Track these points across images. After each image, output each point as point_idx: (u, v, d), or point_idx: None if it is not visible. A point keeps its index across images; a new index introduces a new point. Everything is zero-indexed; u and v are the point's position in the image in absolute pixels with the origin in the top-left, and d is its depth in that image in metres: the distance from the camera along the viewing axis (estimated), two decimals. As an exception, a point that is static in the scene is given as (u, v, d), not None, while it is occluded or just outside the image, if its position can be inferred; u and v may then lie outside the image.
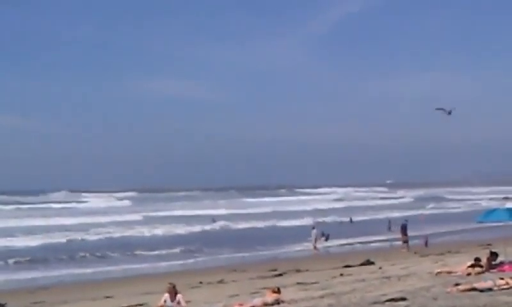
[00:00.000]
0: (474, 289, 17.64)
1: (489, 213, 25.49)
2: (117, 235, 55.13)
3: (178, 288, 17.79)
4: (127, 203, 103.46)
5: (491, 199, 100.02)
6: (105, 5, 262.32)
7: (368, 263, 32.08)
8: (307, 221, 61.21)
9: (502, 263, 22.54)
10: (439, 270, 22.90)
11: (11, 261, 39.53)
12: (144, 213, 74.21)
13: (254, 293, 21.96)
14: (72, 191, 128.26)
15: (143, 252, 43.21)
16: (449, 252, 35.46)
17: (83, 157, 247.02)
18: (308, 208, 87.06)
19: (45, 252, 43.43)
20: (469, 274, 21.20)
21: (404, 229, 43.94)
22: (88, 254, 42.21)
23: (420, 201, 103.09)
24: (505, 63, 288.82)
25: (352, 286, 21.76)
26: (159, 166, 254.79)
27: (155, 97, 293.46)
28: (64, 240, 50.89)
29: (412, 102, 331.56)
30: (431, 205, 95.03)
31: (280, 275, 29.68)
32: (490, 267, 22.07)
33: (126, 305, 22.76)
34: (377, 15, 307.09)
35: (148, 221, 67.35)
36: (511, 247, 25.17)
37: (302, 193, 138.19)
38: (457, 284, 18.47)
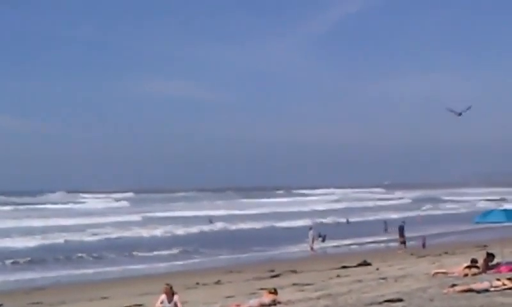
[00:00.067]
0: (471, 290, 17.65)
1: (486, 214, 25.52)
2: (114, 235, 55.07)
3: (174, 289, 17.78)
4: (124, 203, 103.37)
5: (488, 200, 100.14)
6: (105, 5, 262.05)
7: (365, 264, 32.10)
8: (304, 222, 61.20)
9: (498, 264, 22.54)
10: (435, 271, 22.91)
11: (8, 261, 39.51)
12: (142, 214, 74.09)
13: (251, 294, 21.96)
14: (69, 192, 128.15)
15: (140, 253, 43.19)
16: (446, 253, 35.51)
17: (81, 158, 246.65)
18: (306, 209, 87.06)
19: (42, 253, 43.39)
20: (466, 275, 21.21)
21: (401, 231, 44.02)
22: (85, 255, 42.18)
23: (418, 202, 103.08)
24: (505, 63, 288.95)
25: (349, 287, 21.78)
26: (157, 166, 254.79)
27: (155, 97, 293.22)
28: (61, 240, 50.80)
29: (412, 102, 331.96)
30: (428, 206, 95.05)
31: (277, 276, 29.70)
32: (487, 268, 22.08)
33: (123, 306, 22.77)
34: (377, 15, 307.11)
35: (145, 222, 67.32)
36: (507, 248, 25.23)
37: (299, 194, 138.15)
38: (453, 285, 18.47)
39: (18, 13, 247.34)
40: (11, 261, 39.68)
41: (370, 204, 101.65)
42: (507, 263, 22.45)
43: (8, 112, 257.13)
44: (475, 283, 18.59)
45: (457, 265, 23.52)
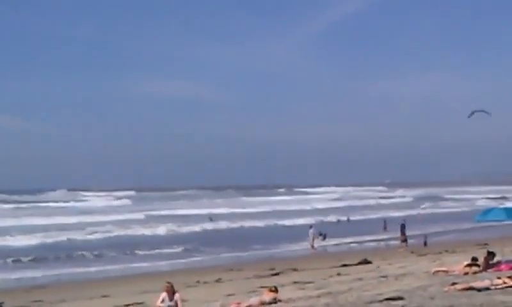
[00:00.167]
0: (471, 288, 17.65)
1: (487, 212, 25.51)
2: (115, 233, 55.09)
3: (175, 287, 17.79)
4: (125, 202, 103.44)
5: (489, 198, 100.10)
6: (105, 5, 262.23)
7: (366, 262, 32.13)
8: (305, 220, 61.21)
9: (499, 262, 22.55)
10: (436, 270, 22.93)
11: (9, 260, 39.46)
12: (143, 212, 74.10)
13: (251, 292, 21.98)
14: (70, 190, 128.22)
15: (140, 251, 43.18)
16: (446, 251, 35.50)
17: (81, 157, 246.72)
18: (306, 207, 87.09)
19: (43, 251, 43.37)
20: (466, 273, 21.22)
21: (402, 229, 44.06)
22: (86, 253, 42.13)
23: (419, 201, 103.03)
24: (505, 63, 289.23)
25: (349, 285, 21.78)
26: (158, 166, 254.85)
27: (155, 97, 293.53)
28: (62, 239, 50.79)
29: (412, 102, 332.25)
30: (429, 205, 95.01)
31: (277, 274, 29.71)
32: (487, 266, 22.09)
33: (123, 304, 22.78)
34: (377, 15, 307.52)
35: (146, 220, 67.34)
36: (508, 246, 25.25)
37: (301, 192, 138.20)
38: (454, 284, 18.47)
39: (18, 13, 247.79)
40: (12, 259, 39.65)
41: (372, 202, 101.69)
42: (508, 262, 22.46)
43: (8, 112, 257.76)
44: (475, 281, 18.60)
45: (458, 263, 23.52)
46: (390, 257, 34.74)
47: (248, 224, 63.34)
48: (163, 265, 37.98)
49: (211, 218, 67.47)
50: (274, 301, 18.64)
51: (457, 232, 52.01)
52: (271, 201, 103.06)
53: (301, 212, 76.90)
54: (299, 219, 65.82)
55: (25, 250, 43.88)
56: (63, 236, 51.66)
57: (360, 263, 31.74)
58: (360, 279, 23.74)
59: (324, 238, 48.75)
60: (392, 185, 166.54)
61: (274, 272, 30.62)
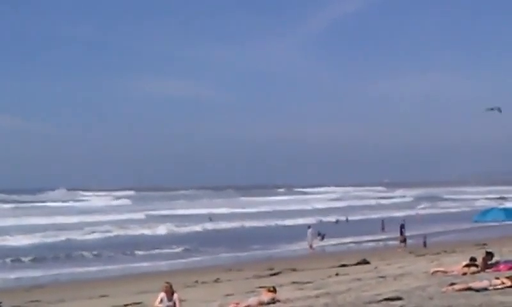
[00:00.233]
0: (470, 289, 17.63)
1: (486, 212, 25.52)
2: (114, 233, 55.13)
3: (173, 287, 17.78)
4: (124, 202, 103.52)
5: (488, 199, 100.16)
6: (105, 5, 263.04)
7: (364, 262, 32.14)
8: (304, 221, 61.19)
9: (497, 262, 22.53)
10: (434, 270, 22.90)
11: (8, 259, 39.47)
12: (142, 212, 74.16)
13: (250, 292, 21.98)
14: (69, 190, 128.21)
15: (139, 251, 43.17)
16: (445, 251, 35.51)
17: (81, 157, 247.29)
18: (306, 207, 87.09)
19: (42, 250, 43.36)
20: (465, 274, 21.19)
21: (401, 229, 44.10)
22: (84, 253, 42.16)
23: (418, 201, 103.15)
24: (505, 63, 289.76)
25: (348, 285, 21.77)
26: (157, 166, 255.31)
27: (155, 97, 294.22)
28: (61, 238, 50.83)
29: (412, 101, 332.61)
30: (428, 205, 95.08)
31: (276, 274, 29.72)
32: (486, 266, 22.07)
33: (122, 304, 22.78)
34: (377, 15, 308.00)
35: (145, 220, 67.37)
36: (506, 246, 25.26)
37: (300, 192, 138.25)
38: (452, 284, 18.45)
39: (18, 13, 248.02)
40: (11, 259, 39.66)
41: (372, 202, 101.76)
42: (506, 262, 22.45)
43: (8, 112, 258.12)
44: (474, 281, 18.58)
45: (456, 263, 23.49)
46: (389, 257, 34.74)
47: (247, 224, 63.36)
48: (162, 265, 37.99)
49: (210, 218, 67.48)
50: (273, 301, 18.62)
51: (456, 232, 52.04)
52: (270, 201, 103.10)
53: (300, 212, 76.91)
54: (298, 219, 65.80)
55: (25, 250, 43.89)
56: (62, 236, 51.70)
57: (358, 264, 31.76)
58: (359, 279, 23.73)
59: (323, 238, 48.76)
60: (391, 185, 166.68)
61: (272, 272, 30.63)
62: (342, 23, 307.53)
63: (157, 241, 49.23)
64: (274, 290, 19.22)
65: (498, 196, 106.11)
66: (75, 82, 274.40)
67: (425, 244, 42.72)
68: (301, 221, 62.03)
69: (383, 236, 49.85)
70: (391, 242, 45.55)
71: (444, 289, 18.04)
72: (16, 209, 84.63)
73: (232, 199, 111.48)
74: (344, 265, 31.14)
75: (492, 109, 28.32)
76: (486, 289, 17.52)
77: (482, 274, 20.99)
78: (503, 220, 24.11)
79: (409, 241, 43.72)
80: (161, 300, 17.44)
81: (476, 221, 26.75)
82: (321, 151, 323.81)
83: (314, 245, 45.09)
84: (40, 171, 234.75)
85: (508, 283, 17.67)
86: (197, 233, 56.27)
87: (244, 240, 48.05)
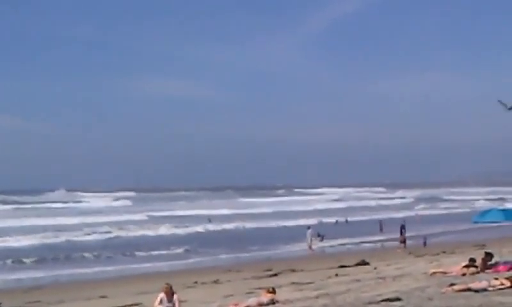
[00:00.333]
0: (469, 289, 17.64)
1: (485, 213, 25.55)
2: (114, 234, 55.16)
3: (173, 287, 17.78)
4: (124, 203, 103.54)
5: (487, 200, 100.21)
6: (105, 5, 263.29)
7: (364, 263, 32.10)
8: (304, 221, 61.14)
9: (496, 263, 22.54)
10: (434, 271, 22.90)
11: (7, 260, 39.46)
12: (142, 214, 74.14)
13: (249, 293, 21.96)
14: (68, 190, 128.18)
15: (139, 252, 43.20)
16: (444, 252, 35.52)
17: (81, 157, 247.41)
18: (306, 208, 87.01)
19: (42, 251, 43.37)
20: (464, 275, 21.20)
21: (402, 230, 44.13)
22: (83, 254, 42.18)
23: (418, 202, 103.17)
24: (505, 63, 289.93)
25: (347, 286, 21.77)
26: (157, 166, 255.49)
27: (155, 97, 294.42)
28: (61, 239, 50.86)
29: (412, 101, 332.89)
30: (427, 206, 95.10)
31: (275, 275, 29.70)
32: (485, 267, 22.08)
33: (121, 304, 22.78)
34: (377, 15, 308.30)
35: (145, 221, 67.38)
36: (506, 247, 25.25)
37: (300, 193, 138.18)
38: (452, 285, 18.46)
39: (18, 13, 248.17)
40: (11, 260, 39.65)
41: (372, 203, 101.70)
42: (506, 263, 22.45)
43: (8, 112, 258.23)
44: (473, 282, 18.59)
45: (456, 264, 23.51)
46: (388, 258, 34.72)
47: (246, 225, 63.37)
48: (161, 265, 37.97)
49: (210, 219, 67.47)
50: (272, 302, 18.62)
51: (456, 233, 52.01)
52: (269, 202, 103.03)
53: (300, 213, 76.84)
54: (298, 219, 65.71)
55: (24, 251, 43.91)
56: (61, 237, 51.75)
57: (357, 264, 31.72)
58: (358, 280, 23.74)
59: (322, 239, 48.76)
60: (392, 186, 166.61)
61: (272, 273, 30.61)
62: (342, 23, 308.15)
63: (156, 242, 49.20)
64: (273, 291, 19.22)
65: (497, 196, 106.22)
66: (75, 82, 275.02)
67: (425, 244, 42.79)
68: (300, 222, 61.93)
69: (382, 238, 49.82)
70: (390, 243, 45.52)
71: (443, 290, 18.05)
72: (16, 210, 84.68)
73: (231, 200, 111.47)
74: (343, 266, 31.11)
75: (504, 104, 28.09)
76: (485, 290, 17.53)
77: (481, 274, 21.00)
78: (502, 221, 24.11)
79: (408, 242, 43.72)
80: (161, 301, 17.44)
81: (475, 222, 26.75)
82: (321, 152, 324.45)
83: (313, 246, 45.09)
84: (39, 171, 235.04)
85: (507, 284, 17.68)
86: (196, 234, 56.25)
87: (244, 241, 48.06)
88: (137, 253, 42.97)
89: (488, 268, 21.98)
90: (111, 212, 79.16)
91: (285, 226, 62.23)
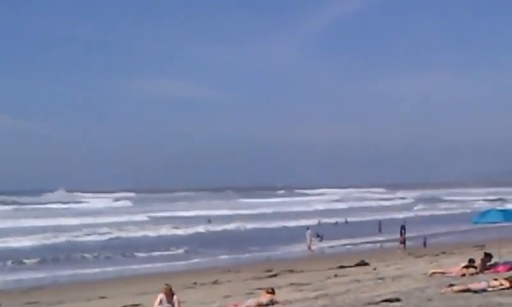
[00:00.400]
0: (468, 290, 17.63)
1: (484, 214, 25.52)
2: (113, 235, 55.15)
3: (172, 288, 17.78)
4: (124, 203, 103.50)
5: (487, 200, 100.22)
6: (105, 5, 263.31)
7: (363, 264, 32.11)
8: (304, 222, 61.09)
9: (496, 264, 22.55)
10: (433, 271, 22.90)
11: (7, 261, 39.44)
12: (142, 214, 74.15)
13: (248, 293, 21.97)
14: (68, 191, 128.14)
15: (138, 253, 43.21)
16: (443, 253, 35.54)
17: (81, 157, 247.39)
18: (306, 209, 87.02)
19: (41, 252, 43.39)
20: (463, 275, 21.21)
21: (402, 230, 44.15)
22: (83, 255, 42.21)
23: (418, 202, 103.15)
24: (505, 63, 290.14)
25: (346, 286, 21.77)
26: (157, 166, 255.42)
27: (155, 97, 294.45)
28: (61, 240, 50.87)
29: (412, 101, 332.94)
30: (427, 206, 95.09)
31: (275, 276, 29.72)
32: (484, 268, 22.09)
33: (121, 305, 22.77)
34: (377, 15, 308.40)
35: (144, 222, 67.35)
36: (505, 248, 25.24)
37: (301, 194, 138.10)
38: (451, 285, 18.45)
39: (18, 13, 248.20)
40: (11, 260, 39.64)
41: (373, 204, 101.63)
42: (505, 263, 22.47)
43: (8, 112, 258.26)
44: (472, 282, 18.58)
45: (455, 264, 23.51)
46: (387, 259, 34.73)
47: (246, 225, 63.37)
48: (161, 266, 37.96)
49: (209, 220, 67.48)
50: (271, 303, 18.62)
51: (455, 234, 52.04)
52: (269, 202, 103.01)
53: (300, 213, 76.85)
54: (297, 220, 65.65)
55: (24, 251, 43.92)
56: (61, 238, 51.76)
57: (357, 265, 31.73)
58: (357, 280, 23.74)
59: (322, 239, 48.77)
60: (392, 187, 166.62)
61: (271, 273, 30.64)
62: (342, 23, 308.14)
63: (156, 243, 49.23)
64: (272, 292, 19.22)
65: (497, 197, 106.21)
66: (75, 82, 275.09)
67: (425, 245, 42.82)
68: (301, 223, 61.83)
69: (382, 238, 49.82)
70: (389, 244, 45.51)
71: (443, 290, 18.05)
72: (16, 211, 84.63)
73: (231, 200, 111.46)
74: (342, 267, 31.12)
75: None
76: (484, 290, 17.52)
77: (480, 275, 21.01)
78: (501, 222, 24.11)
79: (408, 242, 43.73)
80: (160, 302, 17.45)
81: (475, 223, 26.74)
82: (321, 152, 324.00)
83: (313, 247, 45.09)
84: (39, 171, 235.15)
85: (506, 284, 17.68)
86: (196, 234, 56.25)
87: (243, 242, 48.07)
88: (137, 254, 42.98)
89: (487, 269, 21.99)
90: (111, 212, 79.20)
91: (285, 227, 62.23)
